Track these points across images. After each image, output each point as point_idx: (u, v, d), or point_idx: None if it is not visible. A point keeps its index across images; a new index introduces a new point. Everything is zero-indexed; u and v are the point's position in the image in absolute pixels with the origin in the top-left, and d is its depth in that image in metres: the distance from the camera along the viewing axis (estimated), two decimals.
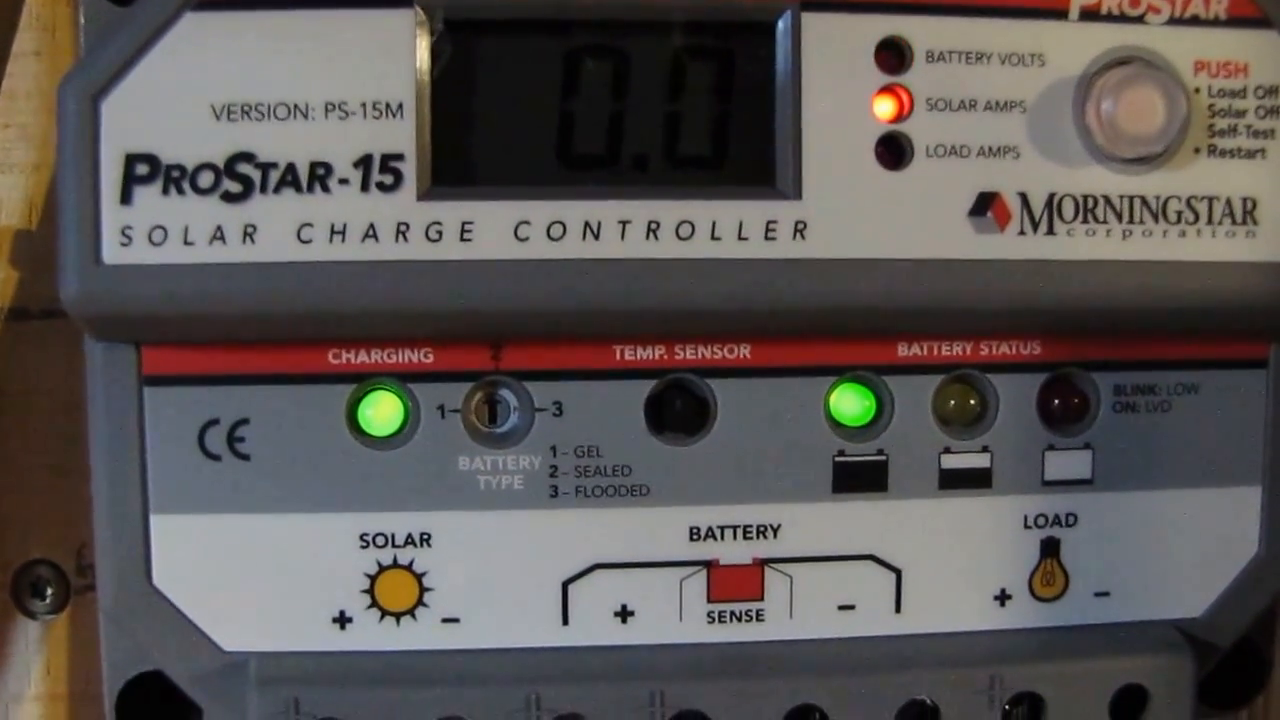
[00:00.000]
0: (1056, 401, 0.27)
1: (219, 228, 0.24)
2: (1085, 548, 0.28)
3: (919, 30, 0.24)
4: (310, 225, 0.24)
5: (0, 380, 0.33)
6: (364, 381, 0.26)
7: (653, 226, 0.24)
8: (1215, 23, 0.25)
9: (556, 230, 0.24)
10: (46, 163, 0.32)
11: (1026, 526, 0.27)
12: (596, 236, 0.24)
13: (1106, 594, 0.28)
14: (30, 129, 0.32)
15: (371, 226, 0.24)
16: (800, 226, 0.24)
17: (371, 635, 0.26)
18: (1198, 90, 0.25)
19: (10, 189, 0.32)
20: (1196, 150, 0.25)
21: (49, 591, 0.33)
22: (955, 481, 0.27)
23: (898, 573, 0.27)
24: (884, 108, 0.24)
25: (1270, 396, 0.28)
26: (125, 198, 0.24)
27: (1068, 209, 0.25)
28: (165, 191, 0.24)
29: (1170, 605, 0.28)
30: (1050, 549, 0.27)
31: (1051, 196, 0.25)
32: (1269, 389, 0.28)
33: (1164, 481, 0.28)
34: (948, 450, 0.27)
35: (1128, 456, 0.27)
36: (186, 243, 0.24)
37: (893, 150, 0.24)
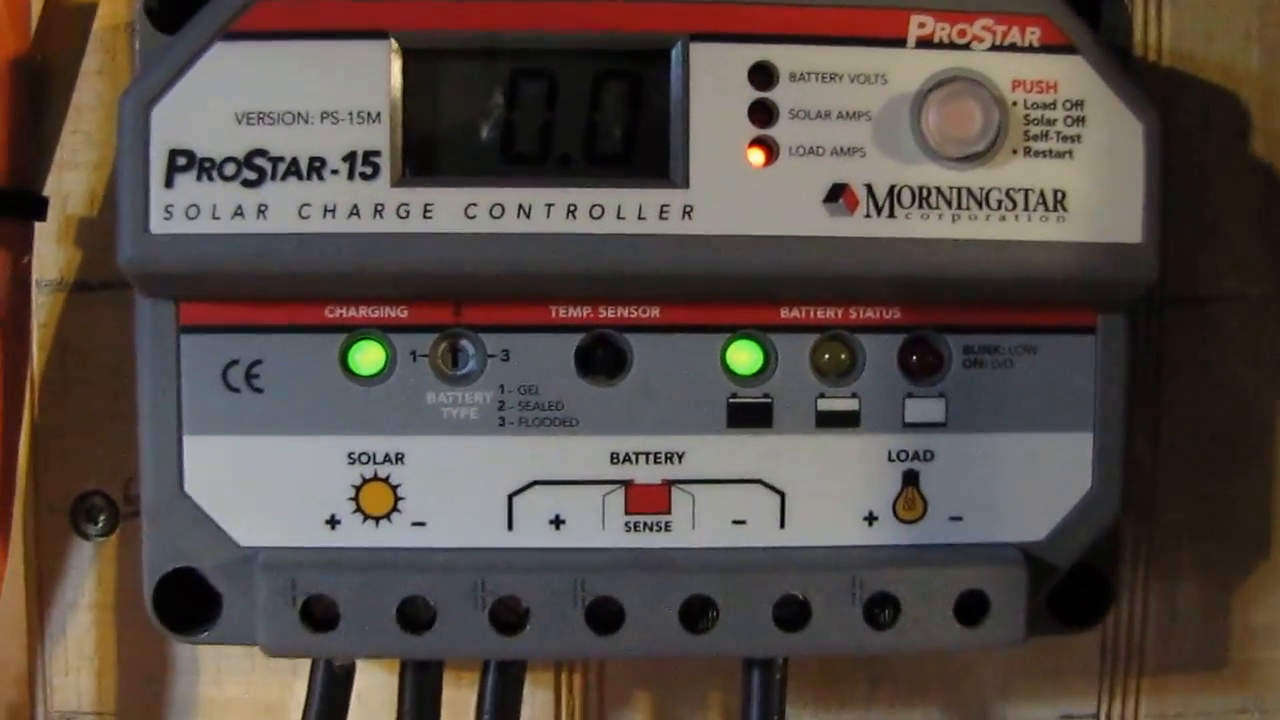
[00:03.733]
0: (915, 358, 0.34)
1: (239, 206, 0.31)
2: (940, 479, 0.34)
3: (784, 56, 0.32)
4: (309, 205, 0.31)
5: (66, 339, 0.40)
6: (353, 332, 0.33)
7: (572, 208, 0.31)
8: (1030, 49, 0.32)
9: (497, 210, 0.31)
10: (106, 161, 0.39)
11: (890, 460, 0.34)
12: (528, 216, 0.31)
13: (960, 518, 0.34)
14: (93, 134, 0.39)
15: (355, 206, 0.31)
16: (688, 209, 0.31)
17: (356, 534, 0.33)
18: (1015, 103, 0.32)
19: (77, 183, 0.39)
20: (1014, 151, 0.32)
21: (101, 518, 0.40)
22: (829, 421, 0.34)
23: (782, 495, 0.34)
24: (756, 117, 0.32)
25: (1098, 358, 0.34)
26: (168, 183, 0.31)
27: (905, 197, 0.32)
28: (199, 178, 0.31)
29: (1015, 530, 0.34)
30: (910, 479, 0.34)
31: (892, 187, 0.32)
32: (1097, 352, 0.34)
33: (1008, 426, 0.34)
34: (823, 395, 0.34)
35: (976, 404, 0.34)
36: (214, 218, 0.31)
37: (765, 150, 0.32)
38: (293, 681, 0.40)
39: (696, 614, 0.33)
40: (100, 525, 0.40)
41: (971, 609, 0.33)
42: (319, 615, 0.33)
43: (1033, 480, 0.35)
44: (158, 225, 0.31)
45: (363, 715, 0.39)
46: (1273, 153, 0.41)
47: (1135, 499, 0.41)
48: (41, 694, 0.41)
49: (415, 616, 0.33)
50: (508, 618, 0.33)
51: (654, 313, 0.33)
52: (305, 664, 0.37)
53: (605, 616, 0.33)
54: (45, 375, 0.40)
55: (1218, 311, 0.41)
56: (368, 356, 0.33)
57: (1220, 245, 0.41)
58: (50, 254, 0.39)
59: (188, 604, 0.35)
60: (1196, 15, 0.41)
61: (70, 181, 0.39)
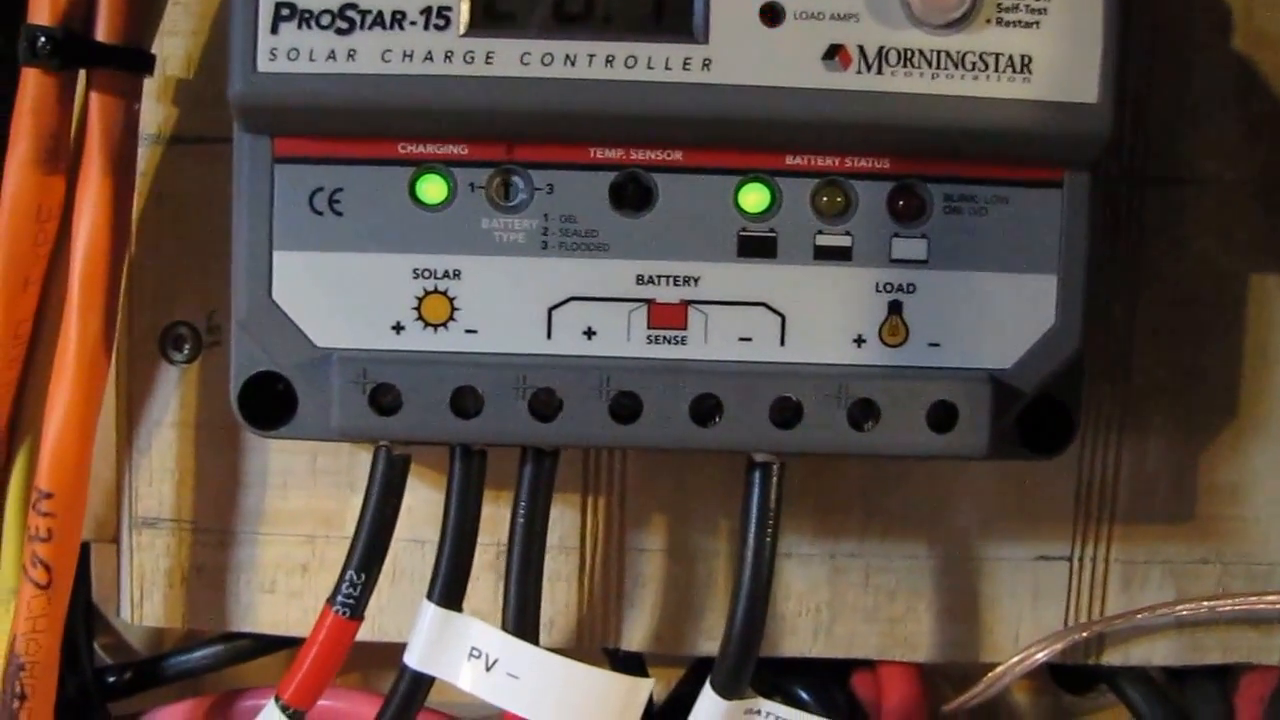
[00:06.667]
0: (901, 203, 0.44)
1: (332, 50, 0.41)
2: (921, 310, 0.44)
3: None
4: (390, 50, 0.41)
5: (161, 188, 0.50)
6: (421, 165, 0.42)
7: (610, 58, 0.41)
8: None
9: (548, 59, 0.42)
10: (201, 30, 0.49)
11: (877, 291, 0.44)
12: (573, 64, 0.41)
13: (937, 345, 0.44)
14: (191, 5, 0.49)
15: (429, 53, 0.41)
16: (707, 61, 0.42)
17: (417, 339, 0.43)
18: None
19: (175, 48, 0.49)
20: (988, 20, 0.42)
21: (186, 346, 0.51)
22: (826, 255, 0.44)
23: (782, 317, 0.44)
24: None
25: (1063, 210, 0.44)
26: (274, 30, 0.41)
27: (893, 57, 0.42)
28: (299, 26, 0.41)
29: (986, 357, 0.44)
30: (895, 309, 0.44)
31: (881, 48, 0.42)
32: (1062, 204, 0.44)
33: (982, 266, 0.44)
34: (820, 232, 0.44)
35: (954, 246, 0.44)
36: (311, 60, 0.41)
37: (772, 14, 0.42)
38: (350, 495, 0.51)
39: (705, 414, 0.43)
40: (185, 353, 0.51)
41: (942, 419, 0.43)
42: (384, 402, 0.43)
43: (1003, 315, 0.44)
44: (264, 65, 0.42)
45: (411, 529, 0.49)
46: (1252, 49, 0.51)
47: (1111, 361, 0.51)
48: (127, 501, 0.52)
49: (465, 406, 0.43)
50: (543, 410, 0.43)
51: (677, 155, 0.44)
52: (360, 478, 0.47)
53: (626, 411, 0.43)
54: (142, 218, 0.50)
55: (1195, 192, 0.51)
56: (432, 187, 0.43)
57: (1200, 132, 0.51)
58: (150, 110, 0.49)
59: (265, 408, 0.45)
60: None
61: (170, 46, 0.49)
